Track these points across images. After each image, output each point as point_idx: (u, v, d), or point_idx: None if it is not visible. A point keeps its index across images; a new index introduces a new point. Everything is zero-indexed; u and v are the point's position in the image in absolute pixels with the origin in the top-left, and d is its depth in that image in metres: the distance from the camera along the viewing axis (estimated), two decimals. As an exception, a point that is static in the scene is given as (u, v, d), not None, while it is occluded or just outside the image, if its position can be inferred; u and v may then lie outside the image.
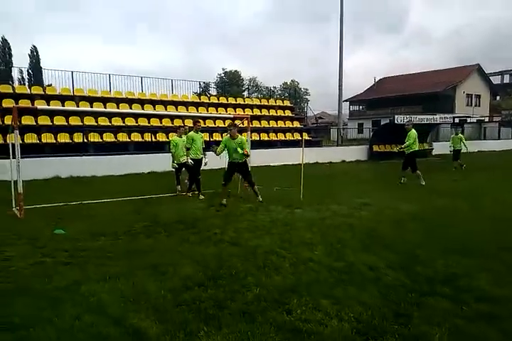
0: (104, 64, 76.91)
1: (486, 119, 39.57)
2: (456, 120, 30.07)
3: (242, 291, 3.60)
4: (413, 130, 11.38)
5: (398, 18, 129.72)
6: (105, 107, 17.07)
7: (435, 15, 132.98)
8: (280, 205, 7.89)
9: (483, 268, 4.13)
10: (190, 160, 8.94)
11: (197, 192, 9.13)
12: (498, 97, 50.58)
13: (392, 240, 5.21)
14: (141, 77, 19.89)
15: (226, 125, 18.72)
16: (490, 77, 47.64)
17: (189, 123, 18.45)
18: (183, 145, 9.37)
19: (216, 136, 17.56)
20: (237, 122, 9.82)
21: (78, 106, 16.48)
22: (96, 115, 16.62)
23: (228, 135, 8.19)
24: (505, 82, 56.12)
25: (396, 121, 19.59)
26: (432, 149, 23.28)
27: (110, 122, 16.88)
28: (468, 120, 35.38)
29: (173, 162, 9.73)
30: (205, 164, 9.49)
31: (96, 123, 16.40)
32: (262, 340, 2.75)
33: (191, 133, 9.17)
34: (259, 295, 3.51)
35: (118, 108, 17.38)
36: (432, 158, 21.29)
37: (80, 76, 18.05)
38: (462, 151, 15.58)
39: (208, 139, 14.91)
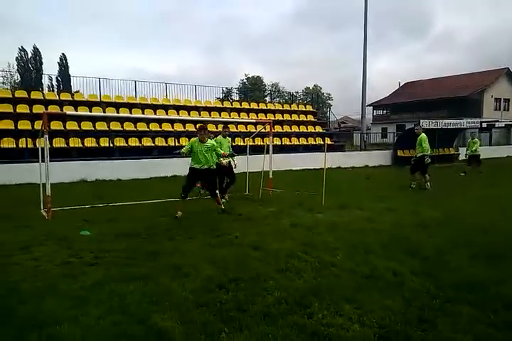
0: (128, 70, 78.76)
1: (516, 124, 38.29)
2: (484, 124, 29.24)
3: (263, 294, 3.60)
4: (423, 134, 11.23)
5: (423, 21, 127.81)
6: (131, 113, 17.49)
7: (460, 18, 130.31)
8: (302, 210, 7.86)
9: (512, 275, 4.00)
10: (225, 162, 8.94)
11: (227, 195, 9.23)
12: (528, 101, 48.92)
13: (416, 245, 5.10)
14: (166, 83, 20.33)
15: (248, 130, 18.83)
16: (520, 80, 46.20)
17: (212, 127, 18.69)
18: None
19: (238, 141, 17.66)
20: (227, 128, 9.83)
21: (105, 112, 16.95)
22: (122, 120, 17.04)
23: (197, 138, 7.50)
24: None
25: (422, 126, 19.19)
26: (459, 154, 22.72)
27: (135, 127, 17.25)
28: (497, 124, 34.35)
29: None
30: (235, 166, 9.58)
31: (122, 128, 16.79)
32: (283, 343, 2.74)
33: (219, 137, 9.29)
34: (280, 298, 3.50)
35: (143, 113, 17.78)
36: (458, 163, 20.78)
37: (107, 83, 18.61)
38: (472, 154, 15.31)
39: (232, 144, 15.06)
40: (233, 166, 9.50)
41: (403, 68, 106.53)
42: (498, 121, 35.84)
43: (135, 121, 17.38)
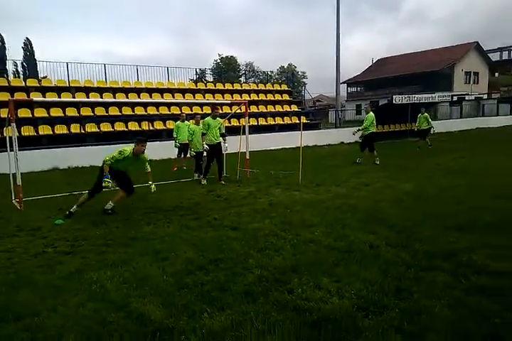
0: (98, 54, 76.04)
1: (485, 96, 39.18)
2: (455, 98, 29.77)
3: (243, 273, 3.63)
4: (371, 113, 11.88)
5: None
6: (101, 97, 16.92)
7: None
8: (280, 189, 7.90)
9: (483, 243, 4.15)
10: (206, 146, 8.88)
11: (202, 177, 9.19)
12: (496, 74, 49.99)
13: (391, 218, 5.22)
14: (136, 66, 19.67)
15: (223, 111, 18.62)
16: (488, 54, 46.99)
17: (187, 110, 18.37)
18: (199, 131, 9.34)
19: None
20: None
21: (74, 98, 16.35)
22: (92, 105, 16.50)
23: (132, 151, 6.36)
24: (503, 58, 55.34)
25: (394, 101, 19.43)
26: (431, 127, 23.14)
27: (107, 112, 16.75)
28: (467, 97, 35.04)
29: (190, 149, 9.85)
30: (226, 149, 9.49)
31: (93, 114, 16.29)
32: (265, 320, 2.78)
33: (208, 118, 9.12)
34: (261, 276, 3.54)
35: (114, 97, 17.22)
36: (431, 137, 21.19)
37: (75, 67, 17.85)
38: (429, 130, 15.62)
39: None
40: (224, 149, 9.37)
41: (376, 45, 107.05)
42: (468, 94, 36.55)
43: (106, 105, 16.85)
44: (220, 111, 11.16)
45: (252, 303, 3.03)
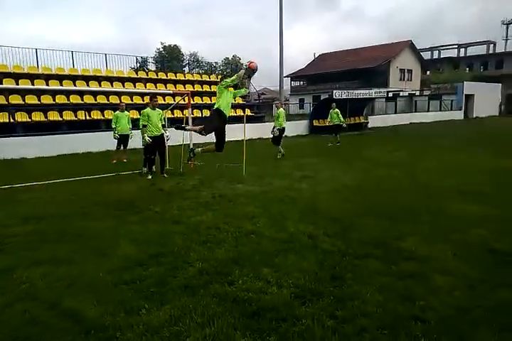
0: (26, 39, 70.09)
1: (417, 93, 41.73)
2: (390, 94, 31.44)
3: (184, 267, 3.61)
4: (281, 109, 12.33)
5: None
6: (33, 84, 15.81)
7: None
8: (223, 181, 7.90)
9: (412, 231, 4.46)
10: (148, 138, 8.51)
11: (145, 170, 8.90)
12: (428, 72, 53.35)
13: (330, 210, 5.43)
14: (72, 51, 18.54)
15: (166, 102, 18.15)
16: (421, 53, 49.97)
17: (126, 100, 17.68)
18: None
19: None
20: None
21: (2, 84, 15.07)
22: (23, 93, 15.37)
23: None
24: (434, 57, 59.19)
25: (334, 96, 20.10)
26: (368, 122, 24.30)
27: (39, 100, 15.71)
28: (401, 94, 37.13)
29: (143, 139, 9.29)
30: (168, 139, 9.21)
31: (23, 102, 15.18)
32: (204, 312, 2.78)
33: (147, 109, 8.70)
34: (202, 269, 3.53)
35: (47, 85, 16.16)
36: (367, 131, 22.26)
37: (3, 51, 16.45)
38: (341, 126, 15.29)
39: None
40: (166, 139, 9.08)
41: (319, 39, 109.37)
42: (402, 91, 38.74)
43: (38, 93, 15.77)
44: (141, 102, 10.77)
45: (191, 297, 3.03)
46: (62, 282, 3.34)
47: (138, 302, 2.95)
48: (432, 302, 2.87)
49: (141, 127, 8.76)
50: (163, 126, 8.98)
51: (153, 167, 8.90)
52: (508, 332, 2.51)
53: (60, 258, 3.89)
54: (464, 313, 2.72)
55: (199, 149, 8.04)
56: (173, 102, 14.03)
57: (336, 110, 15.39)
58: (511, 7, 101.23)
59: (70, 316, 2.78)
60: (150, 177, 8.55)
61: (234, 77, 7.27)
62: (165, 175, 8.72)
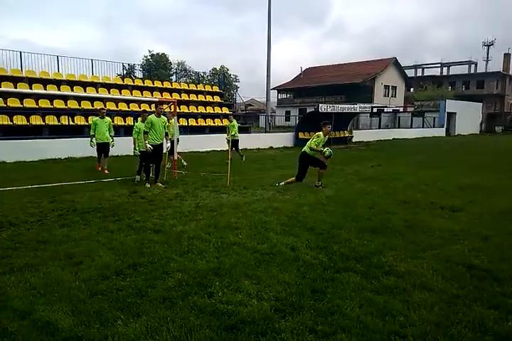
0: (10, 43, 69.09)
1: (401, 109, 42.54)
2: (375, 110, 31.97)
3: (163, 277, 3.53)
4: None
5: (322, 11, 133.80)
6: (16, 87, 15.49)
7: (356, 11, 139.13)
8: (207, 191, 7.84)
9: (392, 245, 4.48)
10: (149, 146, 8.28)
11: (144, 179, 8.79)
12: (411, 89, 54.61)
13: (312, 222, 5.43)
14: (58, 56, 18.32)
15: (154, 109, 18.05)
16: (405, 70, 51.20)
17: (112, 106, 17.52)
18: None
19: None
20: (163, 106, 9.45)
21: (-18, 86, 14.79)
22: (5, 96, 15.07)
23: None
24: (418, 75, 60.68)
25: (320, 110, 20.35)
26: (352, 136, 24.62)
27: (22, 104, 15.40)
28: (385, 110, 37.80)
29: (134, 149, 9.26)
30: (168, 147, 9.47)
31: (5, 105, 14.87)
32: (182, 325, 2.72)
33: (152, 116, 8.51)
34: (181, 280, 3.47)
35: (31, 88, 15.88)
36: (352, 145, 22.53)
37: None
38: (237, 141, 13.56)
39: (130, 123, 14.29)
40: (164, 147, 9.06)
41: (305, 54, 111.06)
42: (386, 107, 39.43)
43: (21, 97, 15.48)
44: (126, 109, 10.67)
45: (169, 309, 2.96)
46: (36, 290, 3.23)
47: (114, 313, 2.86)
48: (411, 317, 2.87)
49: (142, 134, 8.62)
50: (166, 134, 8.96)
51: (137, 176, 8.86)
52: (486, 348, 2.52)
53: (35, 265, 3.77)
54: (443, 329, 2.72)
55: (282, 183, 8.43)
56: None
57: (234, 122, 13.65)
58: (492, 29, 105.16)
59: (42, 327, 2.68)
60: (148, 185, 8.39)
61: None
62: (159, 184, 8.52)
